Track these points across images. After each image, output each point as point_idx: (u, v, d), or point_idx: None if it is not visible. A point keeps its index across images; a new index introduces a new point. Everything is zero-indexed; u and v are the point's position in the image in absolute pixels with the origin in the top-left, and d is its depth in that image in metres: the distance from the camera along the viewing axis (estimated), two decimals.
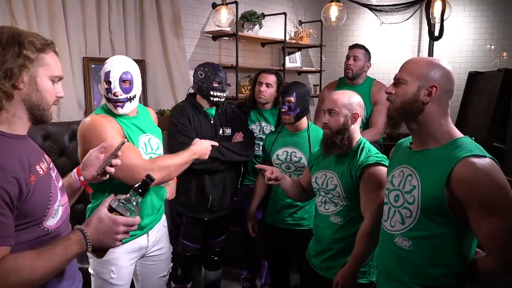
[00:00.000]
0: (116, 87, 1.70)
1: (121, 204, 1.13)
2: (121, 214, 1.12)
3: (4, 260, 0.96)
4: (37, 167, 1.08)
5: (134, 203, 1.15)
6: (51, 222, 1.10)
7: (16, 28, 1.09)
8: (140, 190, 1.16)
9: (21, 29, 1.10)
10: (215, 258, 2.56)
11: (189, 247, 2.40)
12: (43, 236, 1.08)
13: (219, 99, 2.32)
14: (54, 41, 3.12)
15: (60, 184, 1.20)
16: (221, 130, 2.40)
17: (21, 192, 0.99)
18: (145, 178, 1.17)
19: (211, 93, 2.28)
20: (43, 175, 1.09)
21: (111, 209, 1.12)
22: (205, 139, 2.20)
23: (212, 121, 2.37)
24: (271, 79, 2.62)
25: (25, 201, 1.01)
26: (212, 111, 2.39)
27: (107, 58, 2.99)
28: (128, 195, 1.16)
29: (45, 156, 1.18)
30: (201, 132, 2.28)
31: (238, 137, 2.45)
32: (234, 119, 2.48)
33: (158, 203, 1.91)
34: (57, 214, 1.13)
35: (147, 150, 1.82)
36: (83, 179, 1.37)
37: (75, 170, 1.38)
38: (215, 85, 2.28)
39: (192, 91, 2.46)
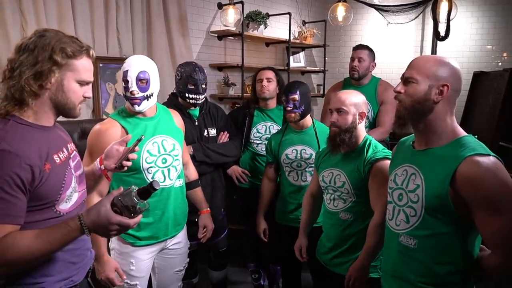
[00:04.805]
0: (133, 85, 1.77)
1: (122, 202, 1.13)
2: (120, 211, 1.13)
3: (7, 236, 1.06)
4: (55, 156, 1.19)
5: (135, 205, 1.14)
6: (64, 206, 1.22)
7: (58, 33, 1.19)
8: (142, 195, 1.14)
9: (63, 33, 1.19)
10: (219, 259, 2.56)
11: None
12: (54, 218, 1.19)
13: (196, 101, 2.27)
14: None
15: (78, 172, 1.31)
16: (205, 131, 2.37)
17: (34, 178, 1.10)
18: (149, 187, 1.14)
19: (187, 95, 2.25)
20: (59, 163, 1.20)
21: (113, 204, 1.14)
22: (190, 142, 2.17)
23: (196, 123, 2.34)
24: (270, 74, 2.64)
25: (38, 186, 1.12)
26: (196, 112, 2.36)
27: (115, 57, 3.05)
28: (133, 195, 1.14)
29: (69, 145, 1.30)
30: (186, 135, 2.21)
31: (224, 137, 2.43)
32: (218, 118, 2.44)
33: (180, 216, 1.98)
34: (70, 200, 1.24)
35: (159, 151, 1.85)
36: (103, 168, 1.46)
37: (98, 159, 1.49)
38: (190, 87, 2.23)
39: (174, 91, 2.45)
